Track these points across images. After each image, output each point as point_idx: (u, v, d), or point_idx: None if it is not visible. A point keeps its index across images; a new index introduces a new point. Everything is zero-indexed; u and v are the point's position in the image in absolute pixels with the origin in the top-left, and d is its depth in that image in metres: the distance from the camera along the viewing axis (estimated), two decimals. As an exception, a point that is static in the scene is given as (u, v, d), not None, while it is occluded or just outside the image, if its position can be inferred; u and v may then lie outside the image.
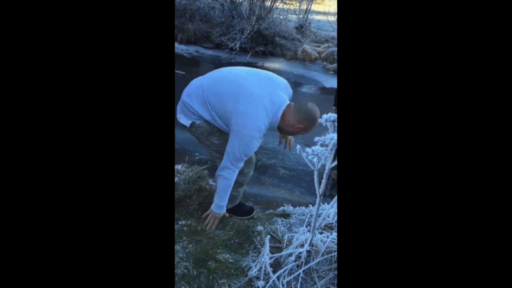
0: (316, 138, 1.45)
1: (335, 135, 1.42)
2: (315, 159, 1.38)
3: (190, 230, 1.97)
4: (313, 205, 2.98)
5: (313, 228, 1.71)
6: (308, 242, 1.70)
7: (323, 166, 1.51)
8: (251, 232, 1.98)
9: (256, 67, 7.04)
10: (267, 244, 1.77)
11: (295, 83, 6.67)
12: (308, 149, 1.39)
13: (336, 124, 1.47)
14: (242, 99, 1.49)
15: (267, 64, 7.06)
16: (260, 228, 1.98)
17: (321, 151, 1.37)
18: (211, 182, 3.07)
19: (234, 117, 1.50)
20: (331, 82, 7.11)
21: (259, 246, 1.86)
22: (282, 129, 1.63)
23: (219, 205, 1.77)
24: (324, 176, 1.54)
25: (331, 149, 1.42)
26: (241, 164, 1.61)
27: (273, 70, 6.94)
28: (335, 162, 1.47)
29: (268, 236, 1.85)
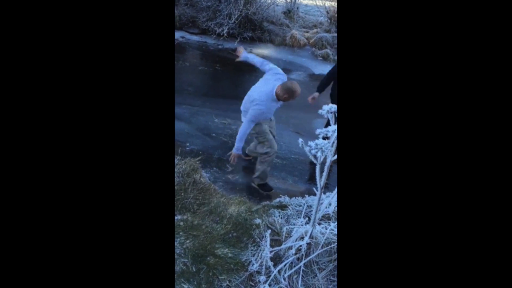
0: (318, 131, 1.41)
1: (336, 127, 1.38)
2: (319, 153, 1.34)
3: (186, 225, 1.92)
4: (308, 194, 2.97)
5: (313, 221, 1.69)
6: (308, 234, 1.69)
7: (324, 158, 1.48)
8: (249, 225, 1.95)
9: (245, 53, 6.87)
10: (268, 239, 1.75)
11: (284, 69, 6.57)
12: (311, 143, 1.35)
13: (337, 115, 1.43)
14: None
15: (255, 50, 6.92)
16: (258, 221, 1.96)
17: (324, 145, 1.33)
18: (204, 174, 3.01)
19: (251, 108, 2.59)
20: (320, 68, 7.05)
21: (258, 240, 1.84)
22: (279, 99, 2.58)
23: (237, 146, 2.70)
24: (325, 169, 1.52)
25: (333, 142, 1.39)
26: (253, 124, 2.60)
27: (262, 56, 6.80)
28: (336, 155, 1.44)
29: (269, 231, 1.83)
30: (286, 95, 2.45)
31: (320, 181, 1.54)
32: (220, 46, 6.87)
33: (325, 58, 7.43)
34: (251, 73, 6.16)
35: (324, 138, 1.37)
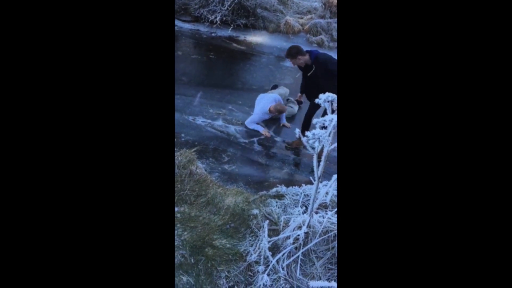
0: (315, 120, 1.39)
1: (334, 116, 1.36)
2: (316, 143, 1.32)
3: (184, 217, 1.91)
4: (305, 183, 2.98)
5: (310, 211, 1.70)
6: (306, 224, 1.69)
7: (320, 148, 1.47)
8: (246, 215, 1.95)
9: (238, 41, 6.76)
10: (266, 229, 1.75)
11: (279, 57, 6.50)
12: (308, 133, 1.34)
13: (334, 104, 1.41)
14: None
15: (249, 38, 6.81)
16: (255, 211, 1.96)
17: (321, 134, 1.32)
18: (201, 165, 2.99)
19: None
20: (315, 55, 6.97)
21: (256, 230, 1.84)
22: (270, 113, 3.74)
23: (249, 121, 3.84)
24: (323, 158, 1.51)
25: (331, 132, 1.37)
26: (253, 124, 3.85)
27: (256, 44, 6.70)
28: (335, 144, 1.43)
29: (267, 221, 1.83)
30: (276, 112, 3.78)
31: (317, 170, 1.53)
32: (213, 34, 6.74)
33: (320, 45, 7.34)
34: (245, 61, 6.08)
35: (321, 128, 1.36)
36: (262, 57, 6.34)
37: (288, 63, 6.35)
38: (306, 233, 1.69)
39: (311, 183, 2.74)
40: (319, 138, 1.31)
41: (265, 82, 4.92)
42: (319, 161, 1.53)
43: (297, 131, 1.44)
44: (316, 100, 1.50)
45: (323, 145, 1.44)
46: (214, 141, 3.78)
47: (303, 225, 1.70)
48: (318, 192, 1.64)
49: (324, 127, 1.38)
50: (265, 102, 3.81)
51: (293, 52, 3.16)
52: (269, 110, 3.72)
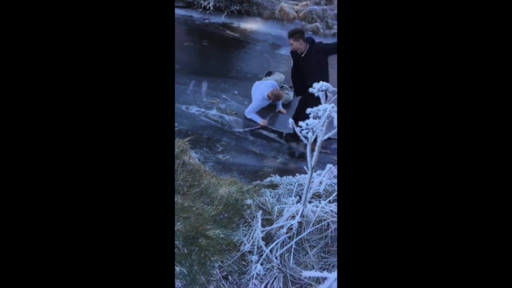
0: (308, 110, 1.37)
1: (328, 106, 1.34)
2: (309, 134, 1.31)
3: (177, 207, 1.90)
4: (299, 173, 2.99)
5: (304, 200, 1.69)
6: (300, 213, 1.69)
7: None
8: (240, 206, 1.94)
9: (232, 27, 6.63)
10: (259, 219, 1.75)
11: (274, 45, 6.40)
12: (301, 123, 1.32)
13: (328, 94, 1.39)
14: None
15: (243, 25, 6.68)
16: (249, 201, 1.95)
17: (315, 125, 1.30)
18: (194, 155, 2.97)
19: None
20: (310, 43, 6.88)
21: (250, 220, 1.84)
22: (269, 99, 3.75)
23: (248, 110, 3.90)
24: (316, 149, 1.49)
25: (324, 122, 1.36)
26: (253, 113, 3.88)
27: (250, 31, 6.58)
28: (328, 135, 1.41)
29: (260, 211, 1.82)
30: (273, 98, 3.79)
31: (311, 160, 1.52)
32: (206, 21, 6.59)
33: (315, 32, 7.24)
34: (240, 49, 5.98)
35: (314, 118, 1.34)
36: (256, 45, 6.24)
37: (284, 51, 6.27)
38: (300, 223, 1.70)
39: (305, 173, 2.75)
40: (312, 128, 1.29)
41: (259, 70, 4.86)
42: (312, 151, 1.52)
43: (291, 121, 1.42)
44: (310, 90, 1.47)
45: (316, 135, 1.42)
46: (208, 131, 3.75)
47: (297, 214, 1.70)
48: (312, 182, 1.63)
49: (317, 117, 1.36)
50: (262, 88, 3.81)
51: (297, 35, 3.01)
52: (268, 96, 3.73)
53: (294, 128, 1.39)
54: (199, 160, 3.15)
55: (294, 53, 3.31)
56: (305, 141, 1.43)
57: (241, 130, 3.86)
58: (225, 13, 6.69)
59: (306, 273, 1.10)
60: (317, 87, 1.39)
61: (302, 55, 3.19)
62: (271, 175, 2.38)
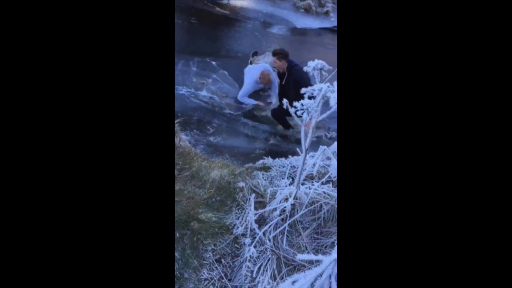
0: (303, 90, 1.31)
1: (323, 86, 1.29)
2: (304, 114, 1.26)
3: (167, 191, 1.86)
4: (292, 154, 2.96)
5: (297, 183, 1.67)
6: (293, 195, 1.67)
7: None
8: (232, 188, 1.91)
9: (221, 4, 6.38)
10: (252, 202, 1.73)
11: (265, 23, 6.21)
12: (296, 103, 1.26)
13: (323, 72, 1.34)
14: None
15: (233, 2, 6.44)
16: (242, 184, 1.92)
17: (310, 105, 1.25)
18: (184, 137, 2.90)
19: None
20: (302, 21, 6.72)
21: (242, 203, 1.82)
22: (261, 81, 3.66)
23: (241, 95, 3.81)
24: (310, 130, 1.45)
25: (319, 102, 1.31)
26: (245, 97, 3.84)
27: (240, 8, 6.36)
28: (323, 115, 1.37)
29: (253, 195, 1.80)
30: (265, 81, 3.66)
31: (305, 142, 1.49)
32: (194, -3, 6.31)
33: (307, 10, 7.05)
34: (230, 27, 5.79)
35: (309, 98, 1.29)
36: (247, 23, 6.05)
37: (275, 29, 6.10)
38: (293, 205, 1.68)
39: (298, 155, 2.72)
40: (307, 109, 1.24)
41: (250, 50, 4.72)
42: (306, 132, 1.48)
43: (285, 101, 1.36)
44: (305, 68, 1.41)
45: (311, 116, 1.38)
46: (198, 112, 3.66)
47: (290, 197, 1.68)
48: (305, 164, 1.61)
49: (312, 97, 1.31)
50: (254, 71, 3.71)
51: (280, 55, 3.21)
52: (259, 78, 3.65)
53: (288, 108, 1.34)
54: (189, 142, 3.09)
55: (278, 71, 3.46)
56: (299, 122, 1.38)
57: (232, 112, 3.79)
58: (214, -11, 6.41)
59: (300, 256, 1.09)
60: (312, 66, 1.33)
61: (282, 83, 3.37)
62: (264, 157, 2.34)
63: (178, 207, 1.78)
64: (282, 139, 3.64)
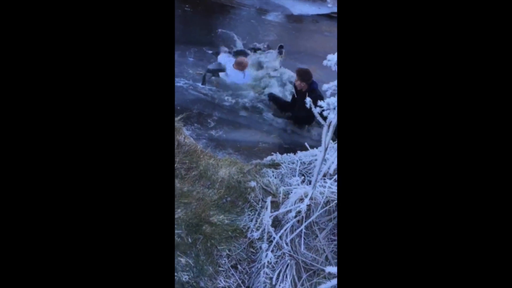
0: (325, 86, 1.22)
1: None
2: (331, 114, 1.17)
3: (176, 192, 1.77)
4: (297, 147, 2.88)
5: (314, 183, 1.60)
6: (309, 196, 1.60)
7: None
8: (243, 188, 1.83)
9: (216, -9, 6.11)
10: (269, 205, 1.65)
11: (260, 10, 6.02)
12: (322, 103, 1.17)
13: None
14: None
15: (227, -12, 6.19)
16: (253, 183, 1.84)
17: (334, 102, 1.16)
18: (186, 132, 2.79)
19: None
20: (299, 8, 6.54)
21: (255, 203, 1.74)
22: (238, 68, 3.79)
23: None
24: (330, 128, 1.37)
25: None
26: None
27: (235, -5, 6.13)
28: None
29: (270, 197, 1.72)
30: (239, 67, 3.79)
31: (326, 141, 1.40)
32: (187, -17, 6.05)
33: (304, -3, 6.85)
34: (225, 14, 5.59)
35: (333, 95, 1.20)
36: (242, 10, 5.85)
37: (271, 16, 5.92)
38: (308, 205, 1.61)
39: (305, 149, 2.65)
40: (334, 108, 1.15)
41: (247, 39, 4.57)
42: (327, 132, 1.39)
43: (308, 100, 1.27)
44: (324, 62, 1.31)
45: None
46: (198, 105, 3.53)
47: (305, 197, 1.61)
48: (324, 164, 1.53)
49: (335, 94, 1.22)
50: (227, 61, 3.93)
51: (305, 77, 3.22)
52: (233, 67, 3.82)
53: (312, 108, 1.25)
54: (191, 137, 2.98)
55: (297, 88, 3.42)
56: (323, 122, 1.30)
57: (233, 101, 3.66)
58: (208, -25, 6.15)
59: (330, 269, 1.03)
60: (334, 60, 1.23)
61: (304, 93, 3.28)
62: (272, 153, 2.25)
63: (188, 209, 1.69)
64: (284, 132, 3.55)
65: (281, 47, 4.40)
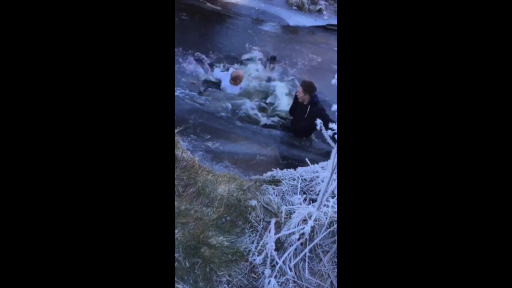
0: (334, 107, 1.17)
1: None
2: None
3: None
4: (296, 161, 2.83)
5: (319, 204, 1.53)
6: (313, 217, 1.54)
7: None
8: (243, 207, 1.76)
9: (213, 0, 6.13)
10: (273, 229, 1.58)
11: (257, 20, 6.02)
12: (333, 125, 1.12)
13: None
14: None
15: (224, -2, 6.19)
16: (253, 202, 1.77)
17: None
18: (184, 145, 2.71)
19: None
20: (295, 19, 6.57)
21: (256, 224, 1.66)
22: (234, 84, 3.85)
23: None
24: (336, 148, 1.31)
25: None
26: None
27: (232, 4, 6.14)
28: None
29: (274, 220, 1.65)
30: (235, 82, 3.83)
31: (335, 162, 1.35)
32: (183, -8, 6.03)
33: (300, 8, 6.90)
34: (221, 23, 5.57)
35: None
36: (239, 20, 5.83)
37: (268, 27, 5.92)
38: (312, 227, 1.55)
39: (305, 164, 2.59)
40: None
41: (244, 49, 4.54)
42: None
43: (319, 122, 1.21)
44: (333, 81, 1.27)
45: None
46: (194, 115, 3.46)
47: (309, 218, 1.55)
48: (331, 185, 1.47)
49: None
50: (224, 79, 3.96)
51: (308, 89, 3.18)
52: (230, 83, 3.86)
53: (322, 130, 1.19)
54: (188, 149, 2.90)
55: (296, 98, 3.38)
56: (333, 144, 1.24)
57: (229, 114, 3.61)
58: (205, -16, 6.14)
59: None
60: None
61: (305, 116, 3.28)
62: (272, 168, 2.19)
63: (186, 230, 1.60)
64: (282, 144, 3.50)
65: (273, 57, 4.38)
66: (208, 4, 5.89)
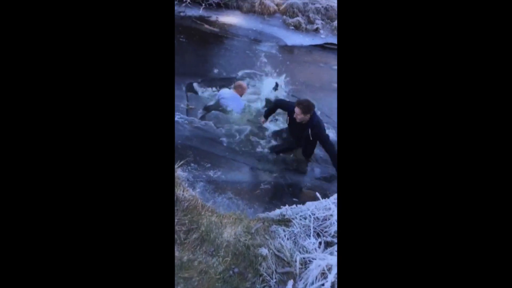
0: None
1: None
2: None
3: (175, 263, 1.50)
4: (301, 192, 2.66)
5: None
6: (333, 271, 1.36)
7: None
8: (253, 256, 1.58)
9: (210, 22, 6.11)
10: (290, 289, 1.40)
11: (255, 40, 5.99)
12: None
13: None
14: None
15: (222, 18, 6.20)
16: (264, 251, 1.59)
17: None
18: (184, 176, 2.55)
19: None
20: (293, 38, 6.57)
21: (268, 278, 1.48)
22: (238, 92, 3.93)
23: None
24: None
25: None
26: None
27: (229, 25, 6.12)
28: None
29: (291, 281, 1.47)
30: (239, 90, 3.85)
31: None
32: (182, 14, 6.03)
33: (297, 27, 6.93)
34: (220, 45, 5.52)
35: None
36: (236, 40, 5.80)
37: (265, 47, 5.88)
38: (333, 282, 1.37)
39: (312, 195, 2.43)
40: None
41: (242, 69, 4.46)
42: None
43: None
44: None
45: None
46: (194, 142, 3.31)
47: (329, 272, 1.37)
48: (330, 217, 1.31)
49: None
50: (227, 94, 3.89)
51: (306, 108, 2.96)
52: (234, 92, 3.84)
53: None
54: (188, 179, 2.73)
55: (292, 118, 3.12)
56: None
57: (231, 140, 3.47)
58: (203, 6, 6.15)
59: None
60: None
61: (310, 138, 3.08)
62: (281, 206, 2.02)
63: (189, 286, 1.42)
64: (287, 171, 3.34)
65: (277, 84, 4.31)
66: (206, 25, 5.87)
